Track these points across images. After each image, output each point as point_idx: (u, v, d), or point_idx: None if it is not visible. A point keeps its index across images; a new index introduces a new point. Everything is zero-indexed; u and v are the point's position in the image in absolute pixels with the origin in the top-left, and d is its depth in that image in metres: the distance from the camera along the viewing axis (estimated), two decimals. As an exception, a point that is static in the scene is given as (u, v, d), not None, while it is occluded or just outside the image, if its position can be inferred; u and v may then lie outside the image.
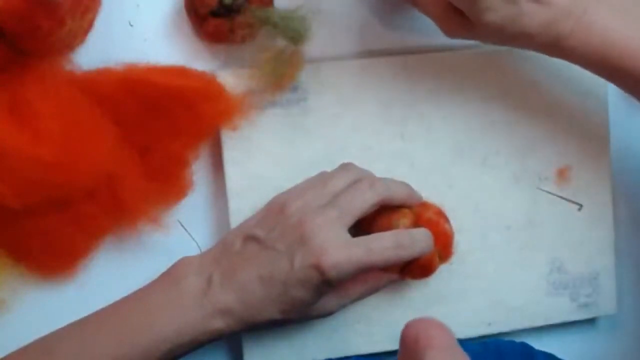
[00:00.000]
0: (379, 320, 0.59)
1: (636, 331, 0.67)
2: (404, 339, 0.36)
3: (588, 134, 0.62)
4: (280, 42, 0.54)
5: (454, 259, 0.58)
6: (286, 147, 0.57)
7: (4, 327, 0.54)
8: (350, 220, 0.52)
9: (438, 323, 0.36)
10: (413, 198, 0.56)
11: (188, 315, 0.50)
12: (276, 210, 0.53)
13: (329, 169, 0.56)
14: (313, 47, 0.55)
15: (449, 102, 0.59)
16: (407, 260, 0.53)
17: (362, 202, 0.53)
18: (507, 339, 0.62)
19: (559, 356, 0.60)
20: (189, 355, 0.52)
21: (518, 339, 0.62)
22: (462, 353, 0.35)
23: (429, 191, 0.58)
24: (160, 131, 0.54)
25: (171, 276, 0.52)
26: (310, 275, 0.49)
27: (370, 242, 0.51)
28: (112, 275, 0.55)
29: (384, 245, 0.51)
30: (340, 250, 0.49)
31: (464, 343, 0.59)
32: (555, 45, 0.50)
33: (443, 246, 0.56)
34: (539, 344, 0.62)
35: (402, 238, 0.52)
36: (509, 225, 0.61)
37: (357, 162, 0.57)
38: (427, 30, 0.60)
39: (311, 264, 0.49)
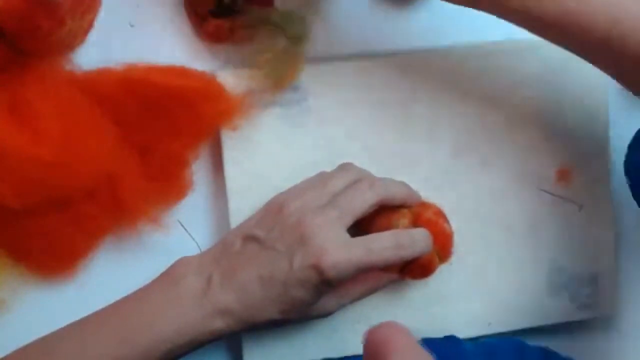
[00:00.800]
0: (379, 320, 0.57)
1: (636, 331, 0.67)
2: (368, 344, 0.36)
3: (588, 134, 0.62)
4: (280, 42, 0.54)
5: (454, 259, 0.58)
6: (286, 147, 0.57)
7: (4, 327, 0.54)
8: (349, 220, 0.52)
9: (400, 326, 0.36)
10: (412, 198, 0.56)
11: (188, 315, 0.50)
12: (275, 210, 0.53)
13: (328, 169, 0.56)
14: (313, 47, 0.55)
15: (449, 102, 0.59)
16: (407, 260, 0.53)
17: (362, 202, 0.53)
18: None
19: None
20: (189, 356, 0.52)
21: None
22: (425, 354, 0.36)
23: (429, 191, 0.58)
24: (160, 131, 0.54)
25: (170, 276, 0.52)
26: (309, 275, 0.49)
27: (370, 242, 0.51)
28: (112, 275, 0.55)
29: (383, 245, 0.51)
30: (339, 250, 0.49)
31: (460, 342, 0.59)
32: (498, 5, 0.48)
33: (442, 246, 0.55)
34: (539, 344, 0.62)
35: (401, 238, 0.52)
36: (509, 225, 0.61)
37: (357, 162, 0.57)
38: (427, 31, 0.60)
39: (311, 264, 0.49)
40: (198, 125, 0.54)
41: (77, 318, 0.52)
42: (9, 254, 0.53)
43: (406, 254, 0.52)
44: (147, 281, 0.53)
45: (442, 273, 0.58)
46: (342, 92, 0.57)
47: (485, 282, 0.61)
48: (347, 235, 0.51)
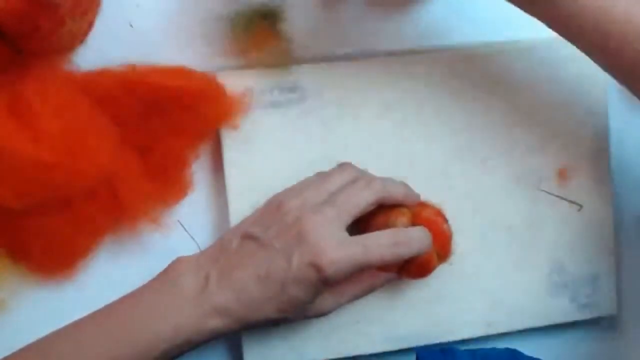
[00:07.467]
0: (379, 320, 0.59)
1: (636, 331, 0.67)
2: None
3: (588, 134, 0.62)
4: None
5: (453, 259, 0.58)
6: (286, 147, 0.57)
7: (4, 327, 0.54)
8: (347, 218, 0.52)
9: None
10: (410, 197, 0.56)
11: (185, 315, 0.50)
12: (273, 208, 0.53)
13: (328, 170, 0.56)
14: (312, 47, 0.55)
15: (449, 102, 0.59)
16: (405, 260, 0.53)
17: (360, 200, 0.52)
18: (500, 345, 0.61)
19: (559, 358, 0.60)
20: (189, 356, 0.52)
21: (518, 340, 0.62)
22: None
23: (429, 191, 0.58)
24: (160, 131, 0.54)
25: (168, 275, 0.52)
26: (307, 273, 0.49)
27: (368, 240, 0.51)
28: (111, 275, 0.55)
29: (381, 243, 0.51)
30: (337, 248, 0.49)
31: (456, 353, 0.59)
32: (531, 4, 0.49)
33: (441, 245, 0.55)
34: (539, 344, 0.62)
35: (399, 236, 0.52)
36: (509, 225, 0.61)
37: (356, 162, 0.57)
38: (427, 31, 0.60)
39: (308, 262, 0.49)
40: (198, 125, 0.54)
41: (77, 318, 0.52)
42: (9, 254, 0.53)
43: (404, 252, 0.52)
44: (147, 281, 0.53)
45: (442, 273, 0.58)
46: (342, 92, 0.57)
47: (485, 282, 0.61)
48: (345, 234, 0.51)
